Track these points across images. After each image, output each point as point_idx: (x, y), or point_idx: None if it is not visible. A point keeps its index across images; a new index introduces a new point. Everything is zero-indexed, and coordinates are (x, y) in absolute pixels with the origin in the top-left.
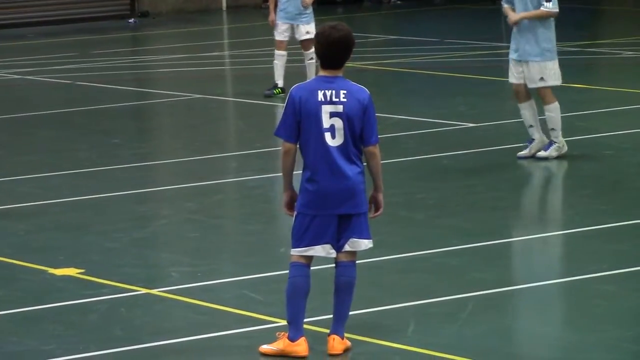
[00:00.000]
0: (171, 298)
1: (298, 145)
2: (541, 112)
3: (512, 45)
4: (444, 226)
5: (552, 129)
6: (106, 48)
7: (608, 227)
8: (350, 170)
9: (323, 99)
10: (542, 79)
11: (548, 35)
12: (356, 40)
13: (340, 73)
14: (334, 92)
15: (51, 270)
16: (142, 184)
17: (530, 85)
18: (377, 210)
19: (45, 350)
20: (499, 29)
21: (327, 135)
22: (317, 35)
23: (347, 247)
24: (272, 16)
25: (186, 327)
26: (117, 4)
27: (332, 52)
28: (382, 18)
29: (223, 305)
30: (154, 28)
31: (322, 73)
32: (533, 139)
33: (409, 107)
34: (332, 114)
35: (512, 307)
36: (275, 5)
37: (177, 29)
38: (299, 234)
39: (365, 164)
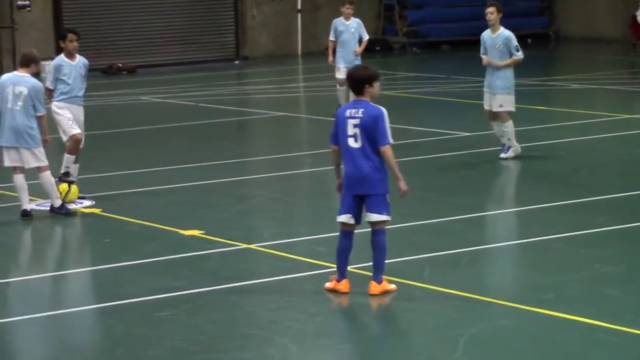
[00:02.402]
0: (263, 251)
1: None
2: None
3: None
4: (448, 202)
5: (509, 138)
6: (219, 81)
7: (561, 204)
8: (365, 164)
9: (349, 115)
10: (501, 105)
11: (510, 75)
12: (387, 77)
13: (363, 97)
14: (355, 110)
15: (181, 231)
16: (243, 173)
17: (494, 109)
18: (401, 193)
19: (178, 286)
20: (486, 68)
21: (351, 140)
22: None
23: (367, 219)
24: (330, 59)
25: (273, 271)
26: (226, 50)
27: (351, 85)
28: (407, 60)
29: (299, 256)
30: (252, 67)
31: (352, 98)
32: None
33: (425, 122)
34: (355, 125)
35: (495, 258)
36: (333, 51)
37: (268, 68)
38: (340, 208)
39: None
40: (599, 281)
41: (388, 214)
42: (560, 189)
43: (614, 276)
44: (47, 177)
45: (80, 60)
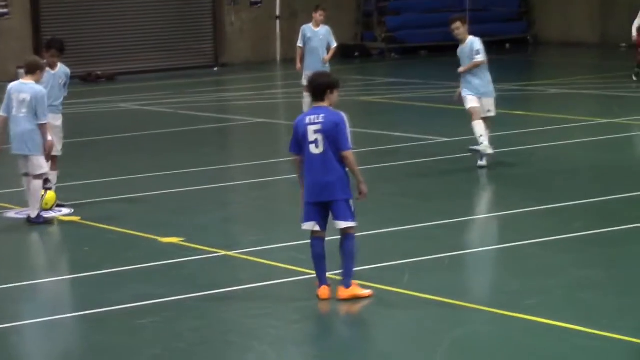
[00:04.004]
0: (242, 258)
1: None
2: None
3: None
4: (427, 208)
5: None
6: (198, 88)
7: (537, 209)
8: (327, 170)
9: (309, 122)
10: (489, 110)
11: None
12: (366, 82)
13: (323, 103)
14: (315, 116)
15: (160, 239)
16: (223, 180)
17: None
18: (360, 195)
19: (158, 294)
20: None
21: (312, 146)
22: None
23: (335, 226)
24: (298, 65)
25: (253, 278)
26: (205, 57)
27: (312, 90)
28: (385, 66)
29: (277, 263)
30: (231, 74)
31: (312, 104)
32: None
33: (403, 127)
34: (315, 131)
35: (474, 263)
36: (302, 58)
37: (247, 75)
38: (303, 215)
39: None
40: (576, 286)
41: (353, 220)
42: (536, 194)
43: (590, 280)
44: (38, 185)
45: (60, 69)
